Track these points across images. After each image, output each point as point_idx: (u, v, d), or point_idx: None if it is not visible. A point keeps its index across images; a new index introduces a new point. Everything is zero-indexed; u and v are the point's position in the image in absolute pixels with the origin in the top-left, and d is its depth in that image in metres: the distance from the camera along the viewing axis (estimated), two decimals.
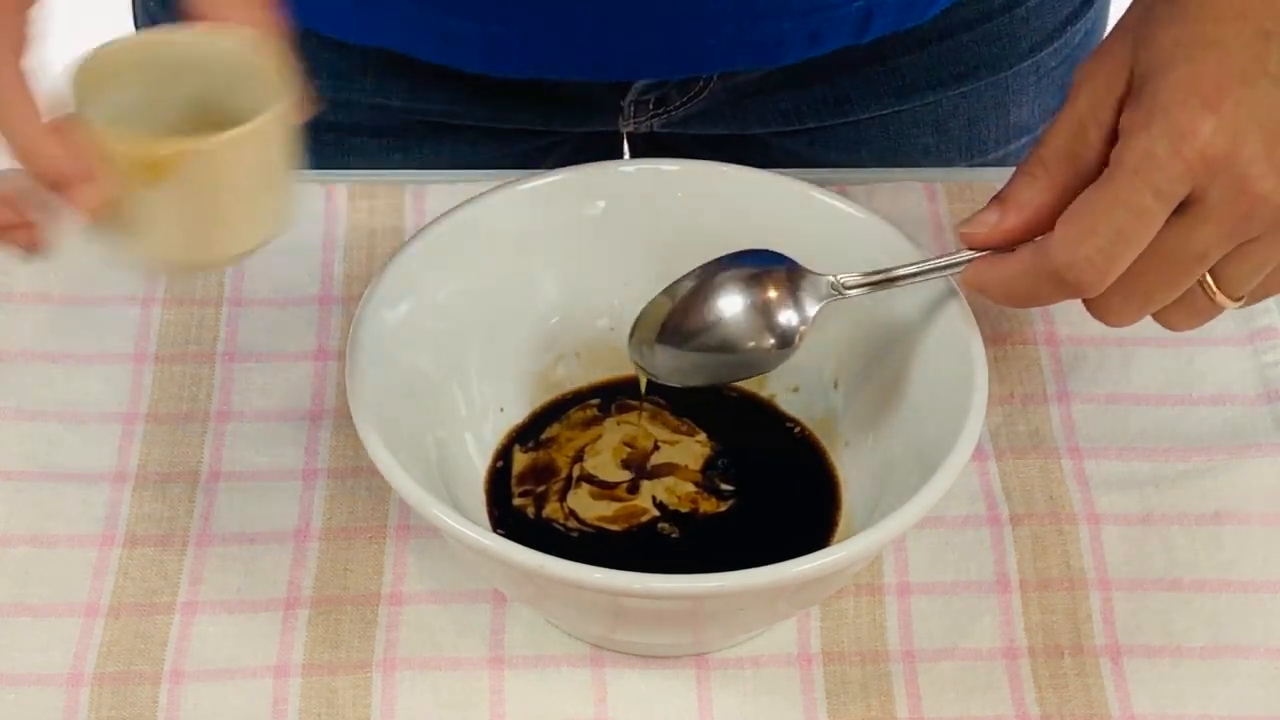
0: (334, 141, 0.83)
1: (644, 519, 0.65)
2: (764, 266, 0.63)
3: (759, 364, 0.64)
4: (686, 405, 0.69)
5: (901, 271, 0.63)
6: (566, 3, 0.74)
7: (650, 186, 0.68)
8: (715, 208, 0.68)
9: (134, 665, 0.63)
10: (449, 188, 0.77)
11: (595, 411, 0.69)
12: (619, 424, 0.68)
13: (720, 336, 0.63)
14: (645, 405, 0.69)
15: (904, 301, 0.65)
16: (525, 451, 0.68)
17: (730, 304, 0.63)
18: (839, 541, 0.60)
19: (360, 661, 0.63)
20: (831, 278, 0.63)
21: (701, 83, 0.80)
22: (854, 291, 0.63)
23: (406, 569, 0.66)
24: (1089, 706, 0.62)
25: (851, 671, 0.63)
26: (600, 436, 0.68)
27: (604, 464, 0.67)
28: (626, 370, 0.70)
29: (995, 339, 0.73)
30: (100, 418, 0.70)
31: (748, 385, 0.70)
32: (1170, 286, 0.58)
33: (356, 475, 0.68)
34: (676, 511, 0.66)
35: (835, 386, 0.68)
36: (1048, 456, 0.69)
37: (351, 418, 0.59)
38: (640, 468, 0.67)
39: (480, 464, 0.67)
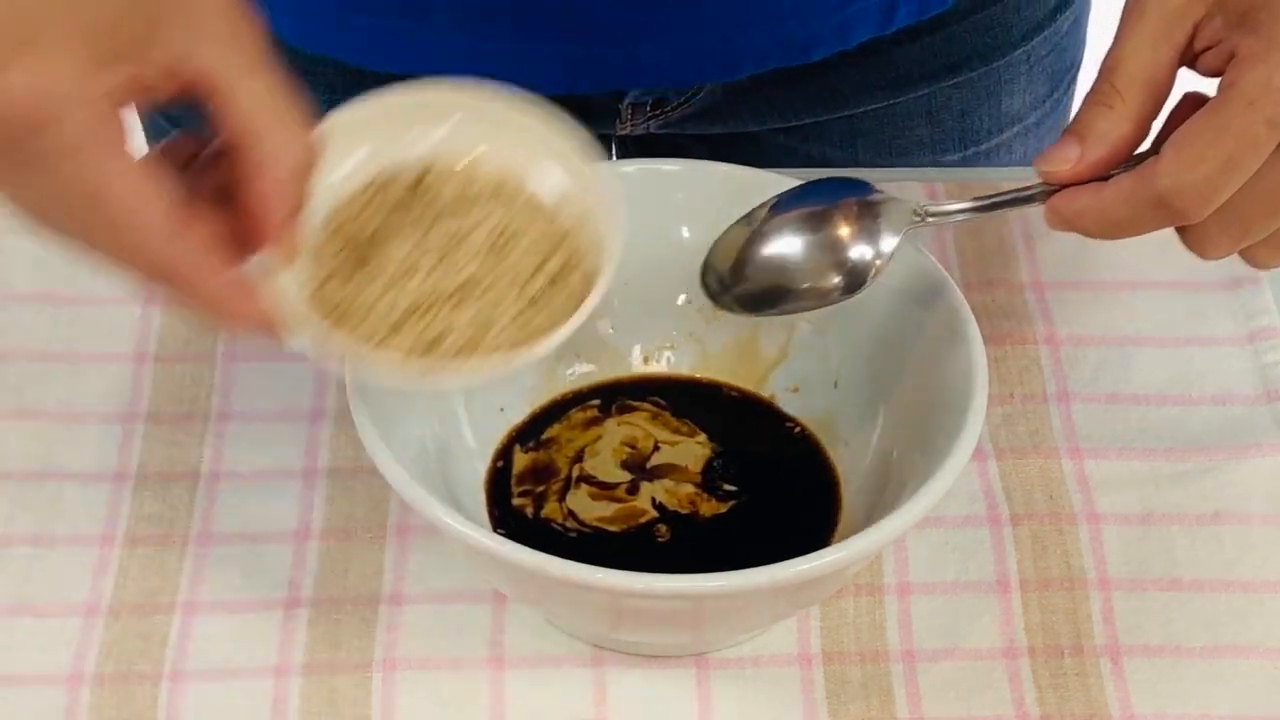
0: None
1: (643, 520, 0.65)
2: (839, 199, 0.62)
3: (829, 300, 0.63)
4: (687, 406, 0.69)
5: (983, 202, 0.61)
6: (599, 15, 0.74)
7: (650, 186, 0.68)
8: (715, 208, 0.68)
9: (134, 665, 0.63)
10: None
11: (595, 412, 0.69)
12: (619, 424, 0.68)
13: (791, 275, 0.62)
14: (646, 406, 0.69)
15: (904, 301, 0.65)
16: (525, 452, 0.68)
17: (800, 243, 0.62)
18: (839, 541, 0.60)
19: (360, 661, 0.63)
20: (915, 204, 0.62)
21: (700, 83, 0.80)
22: (934, 220, 0.62)
23: (406, 569, 0.66)
24: (1089, 706, 0.62)
25: (851, 671, 0.63)
26: (600, 437, 0.68)
27: (604, 465, 0.67)
28: (626, 370, 0.70)
29: (995, 339, 0.73)
30: (100, 418, 0.70)
31: (748, 385, 0.70)
32: (1270, 219, 0.57)
33: (356, 475, 0.68)
34: (676, 513, 0.66)
35: (835, 386, 0.68)
36: (1048, 456, 0.69)
37: (351, 418, 0.59)
38: (640, 469, 0.67)
39: (480, 464, 0.67)
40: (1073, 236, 0.76)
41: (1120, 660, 0.63)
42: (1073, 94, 0.91)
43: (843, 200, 0.63)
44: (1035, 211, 0.77)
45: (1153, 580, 0.66)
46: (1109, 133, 0.58)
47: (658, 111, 0.82)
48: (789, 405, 0.69)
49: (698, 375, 0.70)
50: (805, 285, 0.62)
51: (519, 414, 0.69)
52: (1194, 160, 0.55)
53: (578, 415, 0.69)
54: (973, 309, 0.63)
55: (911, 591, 0.65)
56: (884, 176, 0.79)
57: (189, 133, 0.54)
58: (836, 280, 0.62)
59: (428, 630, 0.64)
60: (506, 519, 0.65)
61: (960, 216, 0.62)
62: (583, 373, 0.70)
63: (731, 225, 0.64)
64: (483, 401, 0.67)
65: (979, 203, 0.62)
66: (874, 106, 0.83)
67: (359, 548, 0.66)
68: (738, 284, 0.63)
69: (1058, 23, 0.84)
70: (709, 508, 0.66)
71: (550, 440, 0.68)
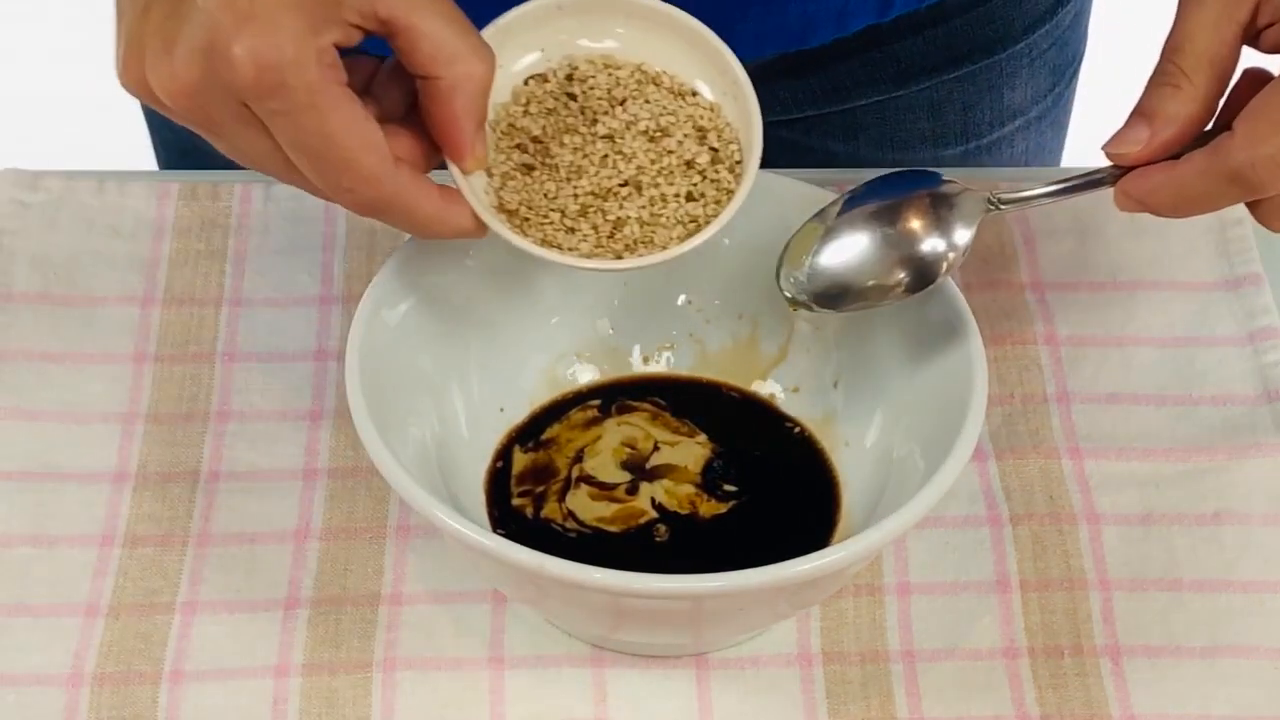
0: None
1: (643, 520, 0.65)
2: (911, 192, 0.62)
3: (903, 294, 0.63)
4: (687, 406, 0.69)
5: (1054, 188, 0.61)
6: None
7: None
8: None
9: (134, 665, 0.63)
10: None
11: (595, 412, 0.69)
12: (619, 425, 0.68)
13: (864, 272, 0.62)
14: (646, 406, 0.69)
15: (904, 302, 0.65)
16: (525, 452, 0.68)
17: (872, 240, 0.62)
18: (839, 541, 0.60)
19: (360, 661, 0.63)
20: (989, 194, 0.62)
21: None
22: (1007, 207, 0.62)
23: (406, 569, 0.66)
24: (1089, 706, 0.62)
25: (851, 671, 0.63)
26: (600, 437, 0.68)
27: (603, 465, 0.67)
28: (626, 370, 0.70)
29: (995, 339, 0.73)
30: (100, 418, 0.70)
31: (748, 385, 0.70)
32: None
33: (356, 475, 0.68)
34: (676, 514, 0.66)
35: (835, 386, 0.68)
36: (1048, 456, 0.69)
37: (351, 418, 0.59)
38: (640, 469, 0.67)
39: (480, 464, 0.67)
40: (1072, 237, 0.77)
41: (1120, 660, 0.63)
42: (1074, 88, 0.91)
43: (914, 194, 0.62)
44: (1036, 211, 0.78)
45: (1153, 580, 0.66)
46: (1177, 113, 0.58)
47: None
48: (789, 405, 0.69)
49: (698, 375, 0.70)
50: (878, 282, 0.62)
51: (519, 414, 0.69)
52: (1269, 133, 0.55)
53: (577, 415, 0.69)
54: (973, 309, 0.63)
55: (911, 591, 0.65)
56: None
57: (364, 54, 0.58)
58: (907, 275, 0.62)
59: (428, 630, 0.64)
60: (506, 519, 0.65)
61: (1036, 203, 0.62)
62: (583, 373, 0.70)
63: (805, 223, 0.64)
64: (482, 401, 0.68)
65: (1052, 188, 0.61)
66: (876, 99, 0.83)
67: (359, 548, 0.66)
68: (812, 283, 0.63)
69: (1059, 16, 0.85)
70: (709, 508, 0.66)
71: (550, 440, 0.68)
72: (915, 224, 0.62)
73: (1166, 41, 0.59)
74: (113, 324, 0.73)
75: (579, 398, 0.69)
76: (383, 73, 0.59)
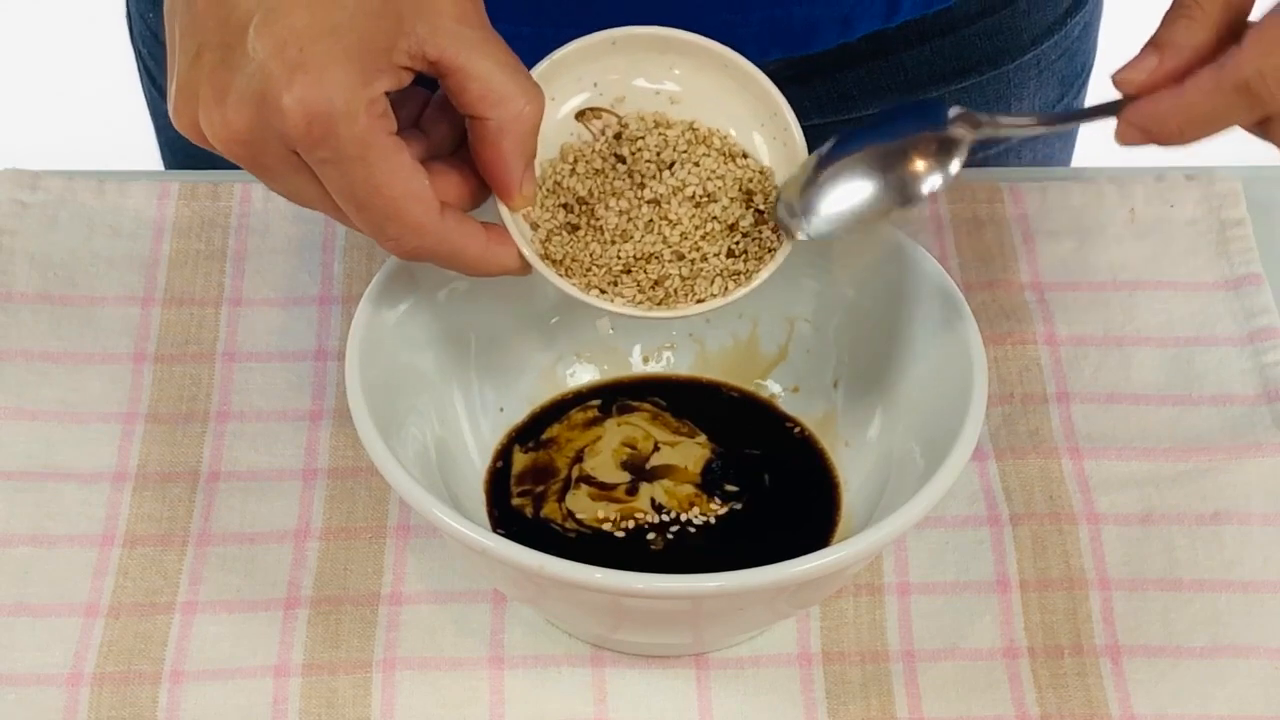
0: None
1: (643, 520, 0.65)
2: (904, 122, 0.62)
3: (886, 211, 0.61)
4: (687, 406, 0.69)
5: (1056, 116, 0.60)
6: (593, 2, 0.74)
7: None
8: None
9: (134, 665, 0.63)
10: None
11: (595, 412, 0.69)
12: (619, 425, 0.68)
13: (854, 193, 0.61)
14: (646, 406, 0.69)
15: (904, 302, 0.65)
16: (525, 452, 0.68)
17: (871, 179, 0.61)
18: (839, 541, 0.60)
19: (360, 661, 0.63)
20: (986, 115, 0.61)
21: None
22: (1006, 129, 0.61)
23: (406, 569, 0.66)
24: (1089, 706, 0.62)
25: (851, 671, 0.63)
26: (600, 438, 0.68)
27: (603, 465, 0.67)
28: (626, 370, 0.70)
29: (995, 339, 0.73)
30: (100, 418, 0.70)
31: (748, 385, 0.70)
32: None
33: (356, 475, 0.68)
34: (676, 514, 0.66)
35: (835, 386, 0.68)
36: (1048, 456, 0.69)
37: (351, 418, 0.59)
38: (639, 469, 0.67)
39: (480, 464, 0.67)
40: (1072, 237, 0.77)
41: (1120, 660, 0.63)
42: (1084, 98, 0.91)
43: (909, 123, 0.62)
44: (1036, 211, 0.78)
45: (1153, 580, 0.66)
46: (1187, 42, 0.57)
47: None
48: (789, 405, 0.69)
49: (698, 375, 0.70)
50: (865, 200, 0.61)
51: (519, 414, 0.69)
52: (1277, 42, 0.54)
53: (577, 415, 0.69)
54: (973, 309, 0.63)
55: (911, 591, 0.65)
56: None
57: (412, 89, 0.59)
58: (892, 191, 0.60)
59: (428, 630, 0.64)
60: (506, 519, 0.65)
61: (1028, 131, 0.61)
62: (583, 373, 0.70)
63: (806, 160, 0.63)
64: (482, 402, 0.68)
65: (1049, 116, 0.60)
66: (882, 108, 0.83)
67: (359, 548, 0.66)
68: (804, 206, 0.62)
69: (1068, 27, 0.84)
70: (708, 508, 0.66)
71: (550, 440, 0.68)
72: (905, 146, 0.61)
73: None
74: (113, 324, 0.73)
75: (579, 398, 0.69)
76: (432, 107, 0.60)
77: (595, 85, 0.62)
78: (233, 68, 0.54)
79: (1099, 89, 0.58)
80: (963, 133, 0.59)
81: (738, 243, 0.61)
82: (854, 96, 0.82)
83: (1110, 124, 0.58)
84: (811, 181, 0.61)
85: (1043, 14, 0.83)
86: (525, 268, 0.60)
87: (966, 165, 0.86)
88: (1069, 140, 0.92)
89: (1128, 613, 0.65)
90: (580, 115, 0.62)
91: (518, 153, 0.58)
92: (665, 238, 0.61)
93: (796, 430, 0.68)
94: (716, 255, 0.61)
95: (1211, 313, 0.74)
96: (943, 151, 0.60)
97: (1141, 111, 0.58)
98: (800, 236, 0.61)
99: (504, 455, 0.67)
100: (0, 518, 0.67)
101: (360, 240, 0.76)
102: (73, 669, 0.63)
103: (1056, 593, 0.65)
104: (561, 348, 0.70)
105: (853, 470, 0.66)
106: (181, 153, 0.89)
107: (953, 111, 0.60)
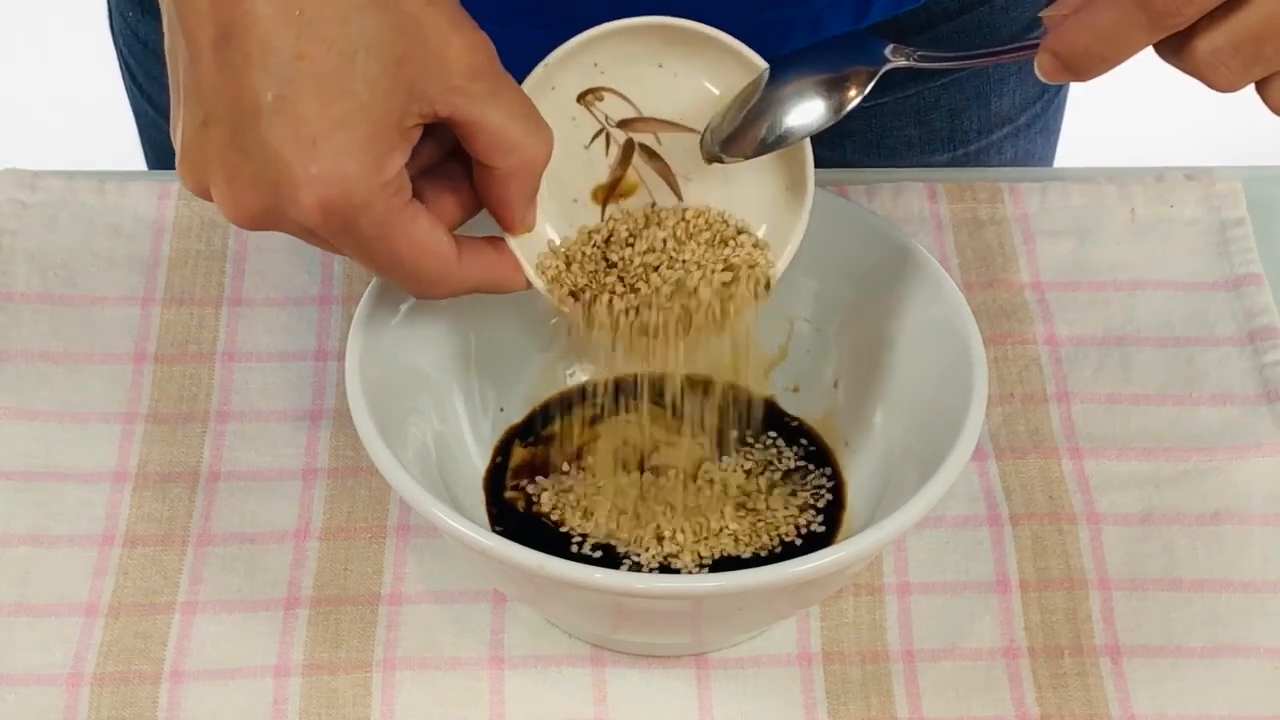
0: None
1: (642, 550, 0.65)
2: (849, 67, 0.62)
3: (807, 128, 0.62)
4: (687, 405, 0.69)
5: (978, 53, 0.59)
6: (571, 4, 0.74)
7: None
8: None
9: (134, 665, 0.63)
10: None
11: (594, 411, 0.69)
12: (618, 424, 0.68)
13: (780, 125, 0.61)
14: (646, 406, 0.69)
15: (904, 302, 0.65)
16: (524, 449, 0.68)
17: (809, 107, 0.62)
18: (839, 541, 0.60)
19: (360, 661, 0.63)
20: (907, 49, 0.61)
21: None
22: (923, 61, 0.61)
23: (406, 569, 0.66)
24: (1089, 706, 0.62)
25: (851, 671, 0.63)
26: (599, 436, 0.68)
27: (602, 464, 0.67)
28: (626, 370, 0.70)
29: (995, 339, 0.73)
30: (100, 418, 0.70)
31: (747, 385, 0.70)
32: (1276, 33, 0.54)
33: (356, 475, 0.68)
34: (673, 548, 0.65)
35: (835, 386, 0.68)
36: (1048, 456, 0.69)
37: (351, 418, 0.59)
38: (639, 469, 0.67)
39: (480, 463, 0.67)
40: (1072, 237, 0.77)
41: (1120, 660, 0.63)
42: (1065, 95, 0.91)
43: (853, 69, 0.62)
44: (1036, 211, 0.78)
45: (1153, 580, 0.66)
46: None
47: None
48: (789, 405, 0.69)
49: (697, 375, 0.70)
50: (795, 127, 0.61)
51: (518, 413, 0.69)
52: None
53: (577, 415, 0.69)
54: (973, 309, 0.63)
55: (911, 591, 0.65)
56: (880, 177, 0.79)
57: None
58: (809, 108, 0.61)
59: (428, 630, 0.64)
60: (506, 519, 0.65)
61: (948, 65, 0.61)
62: (583, 373, 0.70)
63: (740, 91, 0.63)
64: (482, 401, 0.68)
65: (971, 52, 0.60)
66: (862, 106, 0.83)
67: (359, 547, 0.66)
68: (722, 130, 0.62)
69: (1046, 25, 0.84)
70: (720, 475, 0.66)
71: (549, 439, 0.68)
72: (828, 76, 0.61)
73: None
74: (113, 324, 0.73)
75: (579, 397, 0.69)
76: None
77: (595, 64, 0.62)
78: (245, 151, 0.53)
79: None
80: (881, 57, 0.61)
81: (727, 284, 0.62)
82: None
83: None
84: (733, 110, 0.62)
85: (1021, 10, 0.83)
86: (527, 284, 0.62)
87: (956, 165, 0.86)
88: (1050, 136, 0.92)
89: (1128, 613, 0.65)
90: (582, 98, 0.62)
91: (525, 195, 0.59)
92: (649, 324, 0.62)
93: (795, 424, 0.68)
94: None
95: (1211, 313, 0.74)
96: (860, 75, 0.61)
97: (1054, 36, 0.57)
98: (728, 159, 0.61)
99: (503, 455, 0.67)
100: (0, 518, 0.67)
101: None
102: (73, 669, 0.63)
103: (1056, 593, 0.65)
104: (561, 348, 0.70)
105: (853, 470, 0.66)
106: (165, 152, 0.88)
107: (886, 47, 0.61)
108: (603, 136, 0.63)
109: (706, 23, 0.74)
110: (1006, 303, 0.74)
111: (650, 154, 0.63)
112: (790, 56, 0.62)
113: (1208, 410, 0.71)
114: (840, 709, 0.62)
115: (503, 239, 0.61)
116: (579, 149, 0.62)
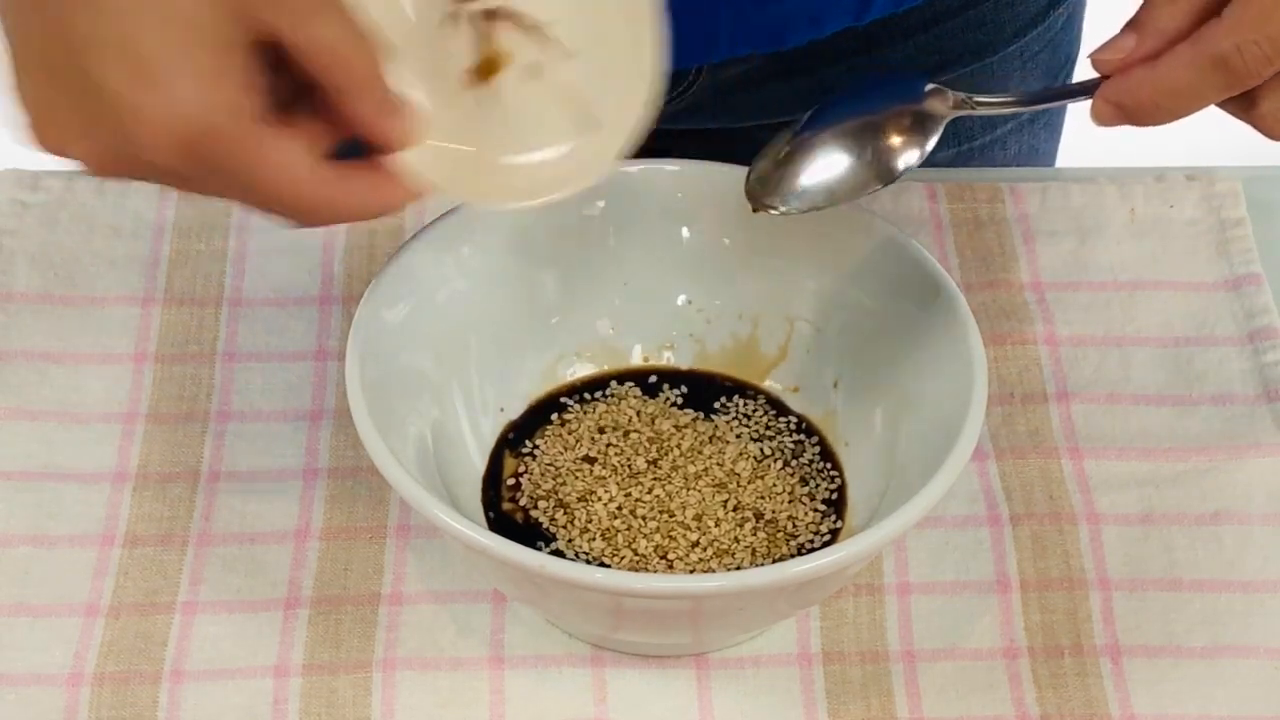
0: None
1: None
2: (890, 107, 0.61)
3: (863, 190, 0.61)
4: (687, 405, 0.69)
5: (1033, 96, 0.59)
6: None
7: (650, 186, 0.68)
8: (715, 208, 0.68)
9: (134, 665, 0.63)
10: None
11: (595, 411, 0.69)
12: (618, 424, 0.68)
13: (830, 169, 0.61)
14: (645, 406, 0.69)
15: (904, 301, 0.65)
16: (525, 452, 0.68)
17: (847, 158, 0.61)
18: (839, 541, 0.60)
19: (360, 661, 0.63)
20: (963, 96, 0.60)
21: (691, 77, 0.80)
22: (981, 108, 0.61)
23: (406, 569, 0.66)
24: (1089, 706, 0.62)
25: (851, 671, 0.63)
26: (598, 437, 0.68)
27: (603, 463, 0.67)
28: (626, 370, 0.70)
29: (995, 339, 0.73)
30: (100, 418, 0.70)
31: (749, 380, 0.70)
32: None
33: (356, 475, 0.68)
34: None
35: (835, 386, 0.68)
36: (1048, 456, 0.69)
37: (351, 418, 0.59)
38: (639, 469, 0.67)
39: (479, 464, 0.67)
40: (1072, 237, 0.77)
41: (1120, 660, 0.63)
42: None
43: (886, 99, 0.61)
44: (1036, 211, 0.78)
45: (1153, 580, 0.66)
46: (1167, 28, 0.57)
47: None
48: (789, 405, 0.69)
49: (701, 370, 0.70)
50: (840, 177, 0.61)
51: (518, 414, 0.69)
52: (1260, 19, 0.55)
53: (577, 415, 0.69)
54: (973, 309, 0.63)
55: (911, 591, 0.65)
56: None
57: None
58: (869, 170, 0.60)
59: (428, 630, 0.64)
60: (505, 518, 0.65)
61: (1006, 110, 0.61)
62: (583, 373, 0.70)
63: (781, 134, 0.63)
64: (482, 401, 0.68)
65: (1024, 96, 0.60)
66: (858, 79, 0.83)
67: (359, 548, 0.66)
68: (778, 182, 0.61)
69: (1051, 19, 0.84)
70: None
71: (549, 439, 0.68)
72: (881, 121, 0.61)
73: None
74: (113, 324, 0.73)
75: (577, 390, 0.69)
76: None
77: None
78: (86, 96, 0.51)
79: (1084, 79, 0.58)
80: (939, 108, 0.59)
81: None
82: (837, 91, 0.82)
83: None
84: (787, 155, 0.61)
85: (1025, 6, 0.83)
86: (417, 198, 0.57)
87: (961, 160, 0.86)
88: (1054, 131, 0.92)
89: (1128, 613, 0.65)
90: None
91: (376, 108, 0.55)
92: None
93: (797, 422, 0.68)
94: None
95: (1211, 313, 0.74)
96: (917, 127, 0.60)
97: (1117, 86, 0.57)
98: (776, 211, 0.60)
99: (503, 454, 0.67)
100: (0, 518, 0.67)
101: (360, 240, 0.76)
102: (73, 669, 0.63)
103: (1056, 593, 0.65)
104: (561, 348, 0.70)
105: (853, 470, 0.66)
106: None
107: (929, 86, 0.60)
108: (452, 19, 0.59)
109: (704, 16, 0.74)
110: (1006, 303, 0.74)
111: (508, 15, 0.60)
112: (846, 98, 0.61)
113: (1208, 410, 0.71)
114: (840, 709, 0.62)
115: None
116: (436, 41, 0.59)
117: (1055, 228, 0.77)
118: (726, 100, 0.82)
